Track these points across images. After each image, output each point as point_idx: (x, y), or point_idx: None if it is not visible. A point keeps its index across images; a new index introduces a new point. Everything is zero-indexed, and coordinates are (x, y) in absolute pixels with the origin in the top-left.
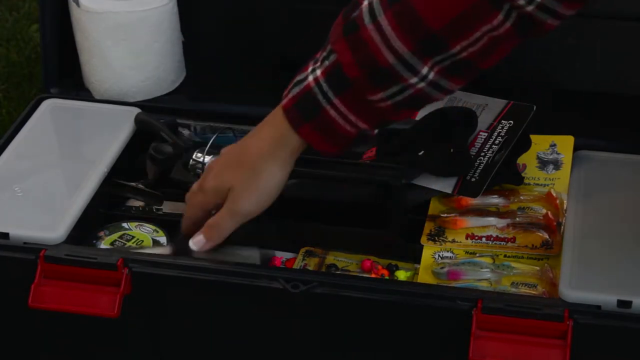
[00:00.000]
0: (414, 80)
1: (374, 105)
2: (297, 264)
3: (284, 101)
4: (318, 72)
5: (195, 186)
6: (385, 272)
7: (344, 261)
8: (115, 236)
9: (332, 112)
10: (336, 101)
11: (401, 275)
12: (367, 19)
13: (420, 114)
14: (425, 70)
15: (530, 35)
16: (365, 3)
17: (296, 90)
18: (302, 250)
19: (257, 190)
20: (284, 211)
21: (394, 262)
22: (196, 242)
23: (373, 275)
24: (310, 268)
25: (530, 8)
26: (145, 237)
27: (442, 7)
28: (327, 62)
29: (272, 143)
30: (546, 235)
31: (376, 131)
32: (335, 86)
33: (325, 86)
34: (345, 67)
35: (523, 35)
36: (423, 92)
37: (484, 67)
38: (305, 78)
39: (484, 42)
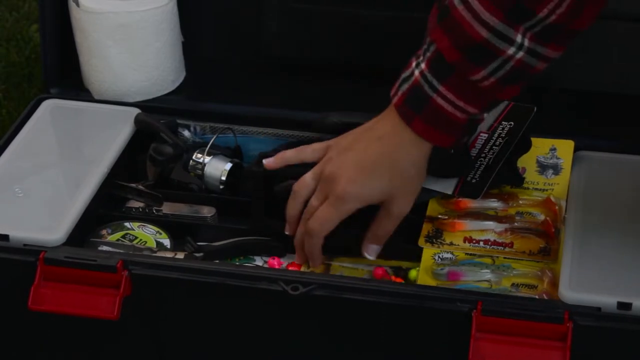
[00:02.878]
0: (511, 50)
1: (478, 86)
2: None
3: (395, 99)
4: (422, 65)
5: (316, 202)
6: (399, 279)
7: (351, 267)
8: (118, 235)
9: (440, 101)
10: (442, 89)
11: (413, 273)
12: (456, 0)
13: None
14: (519, 38)
15: None
16: None
17: (405, 86)
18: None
19: (413, 195)
20: (284, 214)
21: (404, 266)
22: (373, 252)
23: None
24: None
25: None
26: (148, 238)
27: None
28: (428, 54)
29: (400, 145)
30: (544, 242)
31: (486, 115)
32: (439, 74)
33: (429, 76)
34: (445, 52)
35: None
36: (523, 62)
37: (577, 29)
38: (412, 74)
39: (569, 2)
